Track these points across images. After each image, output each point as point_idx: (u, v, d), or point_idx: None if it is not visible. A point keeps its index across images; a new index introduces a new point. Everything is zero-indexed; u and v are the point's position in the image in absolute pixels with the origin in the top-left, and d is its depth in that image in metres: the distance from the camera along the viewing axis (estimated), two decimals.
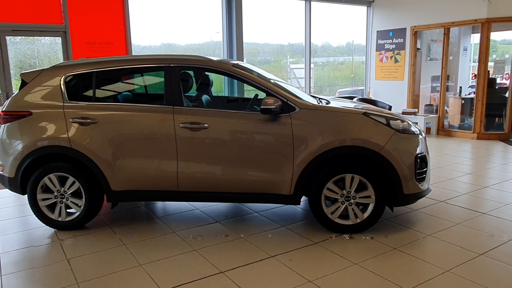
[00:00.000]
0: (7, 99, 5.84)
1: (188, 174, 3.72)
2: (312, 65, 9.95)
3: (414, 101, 9.89)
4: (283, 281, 2.94)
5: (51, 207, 3.87)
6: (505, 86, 9.65)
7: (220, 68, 3.83)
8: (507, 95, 8.60)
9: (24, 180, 3.87)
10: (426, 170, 3.80)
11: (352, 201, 3.65)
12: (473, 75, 10.56)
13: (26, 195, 3.92)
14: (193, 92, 4.59)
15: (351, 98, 6.74)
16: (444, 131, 9.25)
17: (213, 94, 4.98)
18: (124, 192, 3.81)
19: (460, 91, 9.78)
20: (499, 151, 7.32)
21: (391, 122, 3.67)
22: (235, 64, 3.95)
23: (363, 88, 10.94)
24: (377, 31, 10.32)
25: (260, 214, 4.30)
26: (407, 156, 3.61)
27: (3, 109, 3.90)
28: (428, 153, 3.91)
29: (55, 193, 3.83)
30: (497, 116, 8.86)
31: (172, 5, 8.03)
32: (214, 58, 3.94)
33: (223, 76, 6.20)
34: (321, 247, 3.49)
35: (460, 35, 10.02)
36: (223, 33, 8.52)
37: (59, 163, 3.79)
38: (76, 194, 3.84)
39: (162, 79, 3.82)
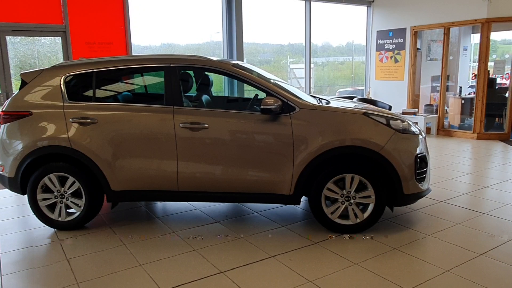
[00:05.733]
0: (7, 99, 5.84)
1: (188, 174, 3.72)
2: (312, 65, 9.95)
3: (414, 101, 9.89)
4: (283, 281, 2.94)
5: (51, 207, 3.87)
6: (505, 86, 9.65)
7: (220, 68, 3.83)
8: (507, 95, 8.60)
9: (24, 180, 3.87)
10: (426, 170, 3.80)
11: (352, 201, 3.65)
12: (473, 75, 10.56)
13: (26, 195, 3.92)
14: (193, 92, 4.59)
15: (351, 98, 6.74)
16: (444, 131, 9.25)
17: (213, 94, 4.98)
18: (124, 192, 3.81)
19: (460, 91, 9.78)
20: (499, 151, 7.32)
21: (391, 122, 3.67)
22: (235, 64, 3.95)
23: (363, 88, 10.94)
24: (377, 31, 10.32)
25: (260, 214, 4.30)
26: (407, 156, 3.61)
27: (3, 109, 3.90)
28: (428, 153, 3.91)
29: (55, 193, 3.83)
30: (497, 116, 8.86)
31: (172, 5, 8.03)
32: (214, 58, 3.94)
33: (223, 76, 6.20)
34: (321, 247, 3.49)
35: (460, 35, 10.02)
36: (223, 33, 8.52)
37: (59, 163, 3.79)
38: (76, 194, 3.84)
39: (162, 79, 3.82)
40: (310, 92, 9.66)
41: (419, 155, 3.68)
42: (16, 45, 6.46)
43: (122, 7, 7.04)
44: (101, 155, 3.71)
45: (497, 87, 9.18)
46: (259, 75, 3.90)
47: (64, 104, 3.79)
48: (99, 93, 4.03)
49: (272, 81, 3.87)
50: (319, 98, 4.36)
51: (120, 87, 4.45)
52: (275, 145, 3.62)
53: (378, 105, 6.50)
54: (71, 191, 3.81)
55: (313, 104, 3.72)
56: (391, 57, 10.06)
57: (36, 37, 6.58)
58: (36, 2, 6.36)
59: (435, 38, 9.89)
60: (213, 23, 8.52)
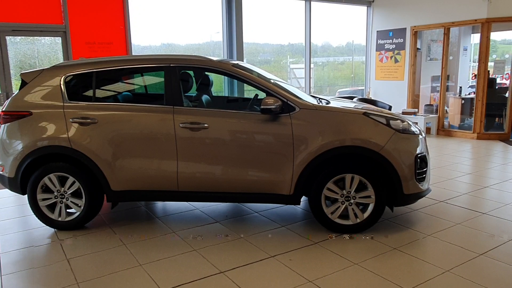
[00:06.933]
0: (7, 99, 5.84)
1: (188, 174, 3.72)
2: (312, 65, 9.95)
3: (414, 101, 9.89)
4: (283, 281, 2.94)
5: (51, 207, 3.87)
6: (505, 86, 9.65)
7: (220, 68, 3.83)
8: (507, 95, 8.60)
9: (24, 180, 3.87)
10: (426, 170, 3.80)
11: (352, 201, 3.65)
12: (473, 75, 10.56)
13: (26, 195, 3.92)
14: (193, 92, 4.59)
15: (351, 98, 6.74)
16: (444, 131, 9.25)
17: (213, 94, 4.98)
18: (124, 192, 3.81)
19: (460, 91, 9.78)
20: (499, 151, 7.32)
21: (391, 122, 3.67)
22: (235, 64, 3.95)
23: (363, 88, 10.94)
24: (377, 31, 10.32)
25: (260, 214, 4.30)
26: (407, 156, 3.61)
27: (3, 109, 3.90)
28: (428, 153, 3.91)
29: (55, 193, 3.83)
30: (497, 116, 8.86)
31: (172, 5, 8.03)
32: (214, 58, 3.94)
33: (223, 76, 6.20)
34: (321, 247, 3.49)
35: (460, 35, 10.02)
36: (223, 33, 8.52)
37: (59, 163, 3.79)
38: (76, 194, 3.84)
39: (162, 79, 3.82)
40: (310, 92, 9.66)
41: (419, 155, 3.68)
42: (16, 45, 6.46)
43: (122, 7, 7.04)
44: (101, 155, 3.71)
45: (497, 87, 9.17)
46: (259, 75, 3.90)
47: (64, 104, 3.79)
48: (99, 93, 4.03)
49: (272, 81, 3.87)
50: (319, 98, 4.36)
51: (120, 87, 4.45)
52: (275, 145, 3.62)
53: (378, 105, 6.50)
54: (71, 191, 3.81)
55: (313, 104, 3.72)
56: (391, 57, 10.06)
57: (36, 37, 6.58)
58: (36, 2, 6.36)
59: (435, 38, 9.89)
60: (213, 23, 8.52)
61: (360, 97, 8.37)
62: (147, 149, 3.70)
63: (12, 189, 3.93)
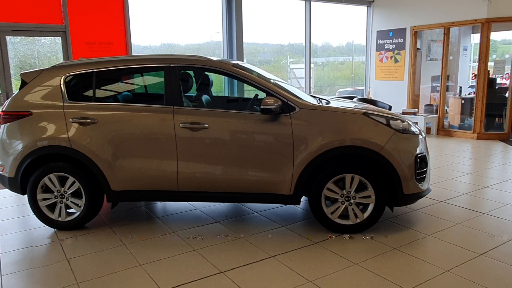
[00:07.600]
0: (7, 99, 5.84)
1: (188, 174, 3.72)
2: (312, 65, 9.95)
3: (414, 101, 9.89)
4: (283, 281, 2.94)
5: (51, 207, 3.87)
6: (505, 86, 9.65)
7: (220, 68, 3.83)
8: (507, 95, 8.60)
9: (24, 180, 3.87)
10: (426, 170, 3.80)
11: (352, 201, 3.65)
12: (473, 75, 10.56)
13: (26, 195, 3.92)
14: (193, 92, 4.59)
15: (351, 98, 6.74)
16: (444, 131, 9.25)
17: (213, 94, 4.98)
18: (124, 192, 3.81)
19: (460, 91, 9.78)
20: (499, 151, 7.32)
21: (391, 122, 3.67)
22: (235, 64, 3.95)
23: (363, 88, 10.94)
24: (377, 31, 10.32)
25: (260, 214, 4.30)
26: (407, 156, 3.61)
27: (3, 109, 3.90)
28: (428, 153, 3.91)
29: (55, 193, 3.83)
30: (497, 116, 8.86)
31: (172, 5, 8.03)
32: (214, 58, 3.94)
33: (223, 76, 6.20)
34: (321, 247, 3.49)
35: (460, 35, 10.02)
36: (223, 33, 8.52)
37: (59, 163, 3.79)
38: (76, 194, 3.84)
39: (162, 79, 3.82)
40: (310, 92, 9.66)
41: (419, 155, 3.68)
42: (16, 45, 6.46)
43: (122, 7, 7.04)
44: (101, 155, 3.71)
45: (497, 87, 9.18)
46: (259, 75, 3.90)
47: (64, 104, 3.79)
48: (99, 93, 4.04)
49: (272, 81, 3.87)
50: (319, 98, 4.36)
51: (120, 87, 4.45)
52: (275, 145, 3.62)
53: (378, 105, 6.50)
54: (71, 191, 3.81)
55: (313, 104, 3.72)
56: (391, 57, 10.06)
57: (36, 37, 6.58)
58: (36, 2, 6.36)
59: (435, 38, 9.89)
60: (213, 23, 8.52)
61: (360, 97, 8.37)
62: (147, 149, 3.70)
63: (12, 189, 3.93)
